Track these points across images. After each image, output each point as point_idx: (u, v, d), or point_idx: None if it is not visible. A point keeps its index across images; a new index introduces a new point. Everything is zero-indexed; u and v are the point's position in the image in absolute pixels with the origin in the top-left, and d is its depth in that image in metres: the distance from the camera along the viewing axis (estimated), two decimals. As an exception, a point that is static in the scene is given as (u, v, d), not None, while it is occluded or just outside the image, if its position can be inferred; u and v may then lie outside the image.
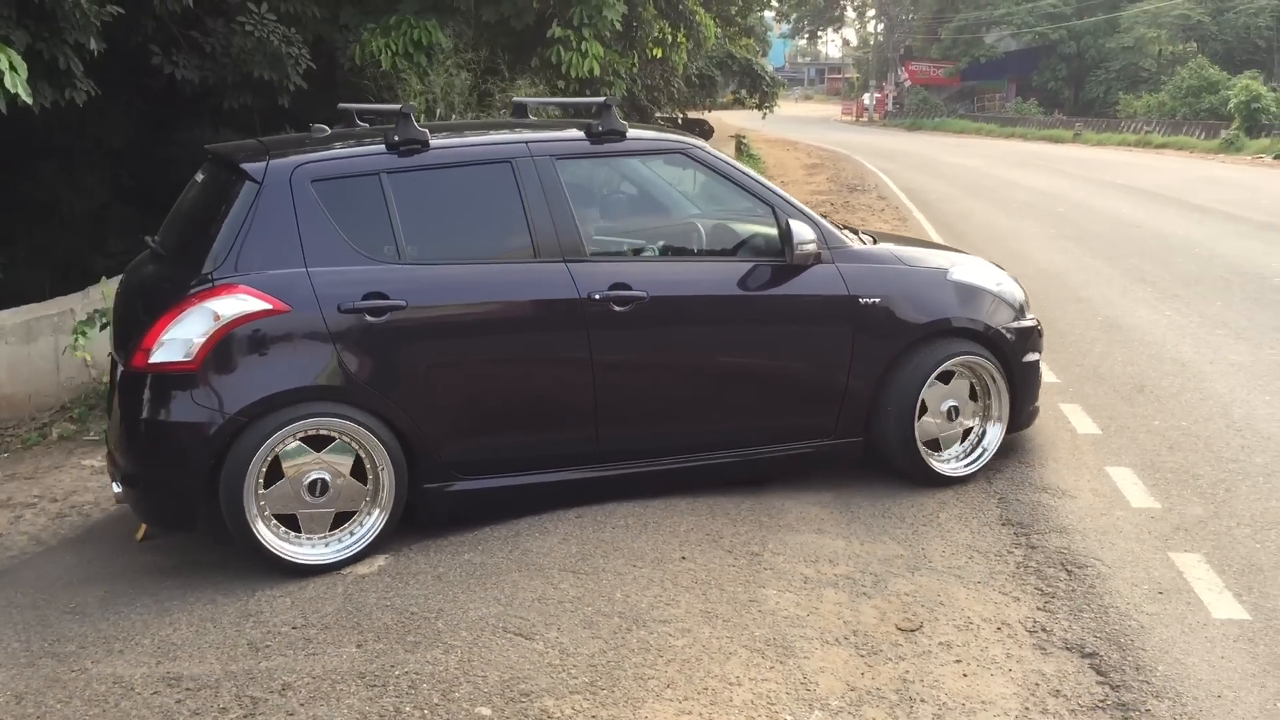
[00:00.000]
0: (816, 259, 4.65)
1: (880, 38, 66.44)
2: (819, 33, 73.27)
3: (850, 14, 70.04)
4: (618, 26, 12.02)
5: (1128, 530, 4.27)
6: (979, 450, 4.98)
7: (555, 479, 4.49)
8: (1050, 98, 49.81)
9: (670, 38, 15.08)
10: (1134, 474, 4.87)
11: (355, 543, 4.13)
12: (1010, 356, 4.97)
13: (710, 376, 4.67)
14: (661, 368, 4.60)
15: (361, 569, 4.06)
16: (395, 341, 4.15)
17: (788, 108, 49.70)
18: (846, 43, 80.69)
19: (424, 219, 4.38)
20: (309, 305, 4.04)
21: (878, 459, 4.88)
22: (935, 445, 4.90)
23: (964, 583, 3.89)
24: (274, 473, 4.01)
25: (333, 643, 3.47)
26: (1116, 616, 3.57)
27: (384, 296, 4.12)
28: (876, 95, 62.93)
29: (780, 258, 4.64)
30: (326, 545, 4.12)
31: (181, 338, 3.93)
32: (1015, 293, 5.23)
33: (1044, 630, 3.51)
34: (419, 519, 4.32)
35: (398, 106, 4.54)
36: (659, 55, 15.19)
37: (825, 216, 5.02)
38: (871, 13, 68.12)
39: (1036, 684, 3.20)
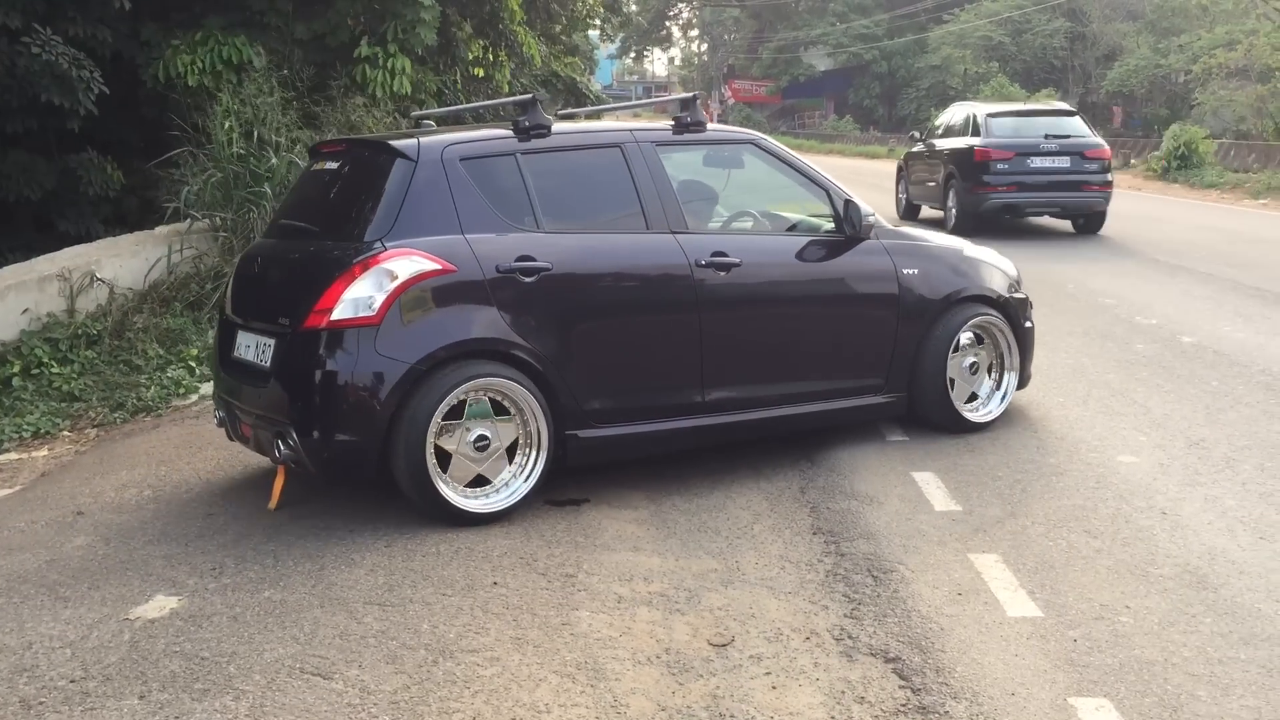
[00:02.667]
0: (868, 234, 5.42)
1: (704, 57, 67.80)
2: (645, 52, 74.30)
3: (675, 32, 71.32)
4: (431, 43, 11.80)
5: (931, 534, 4.39)
6: (998, 400, 5.79)
7: (669, 427, 4.99)
8: (866, 115, 51.70)
9: (492, 56, 14.94)
10: (937, 478, 5.02)
11: (518, 490, 4.58)
12: (1015, 321, 5.82)
13: (788, 335, 5.29)
14: (750, 326, 5.18)
15: (151, 613, 3.82)
16: (543, 300, 4.65)
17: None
18: (672, 61, 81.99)
19: (554, 194, 4.93)
20: (471, 266, 4.53)
21: (915, 413, 5.62)
22: (974, 397, 5.73)
23: (775, 593, 3.92)
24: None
25: (113, 695, 3.24)
26: (919, 620, 3.65)
27: (532, 259, 4.63)
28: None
29: (833, 235, 5.42)
30: (496, 494, 4.57)
31: (363, 296, 4.35)
32: (1011, 269, 6.11)
33: (850, 637, 3.56)
34: (566, 465, 4.75)
35: (529, 95, 5.06)
36: (481, 74, 15.02)
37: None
38: (695, 32, 69.54)
39: (842, 691, 3.23)
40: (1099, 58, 41.48)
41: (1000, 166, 13.73)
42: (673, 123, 5.33)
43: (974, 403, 5.74)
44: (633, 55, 73.35)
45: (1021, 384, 5.92)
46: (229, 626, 3.66)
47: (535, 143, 4.89)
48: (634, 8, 47.73)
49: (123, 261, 8.35)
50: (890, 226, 5.70)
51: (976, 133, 14.51)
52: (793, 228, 5.63)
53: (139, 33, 10.53)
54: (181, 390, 7.20)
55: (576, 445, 4.75)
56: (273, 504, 4.85)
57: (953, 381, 5.60)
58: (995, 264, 6.00)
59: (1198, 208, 18.57)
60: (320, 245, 4.81)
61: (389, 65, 11.17)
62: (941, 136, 15.83)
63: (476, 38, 14.22)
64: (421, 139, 4.82)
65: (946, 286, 5.62)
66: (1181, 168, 23.41)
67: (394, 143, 4.86)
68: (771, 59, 57.60)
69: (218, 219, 8.89)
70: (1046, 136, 14.11)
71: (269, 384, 4.62)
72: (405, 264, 4.42)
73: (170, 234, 8.90)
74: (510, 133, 4.92)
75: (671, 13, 67.64)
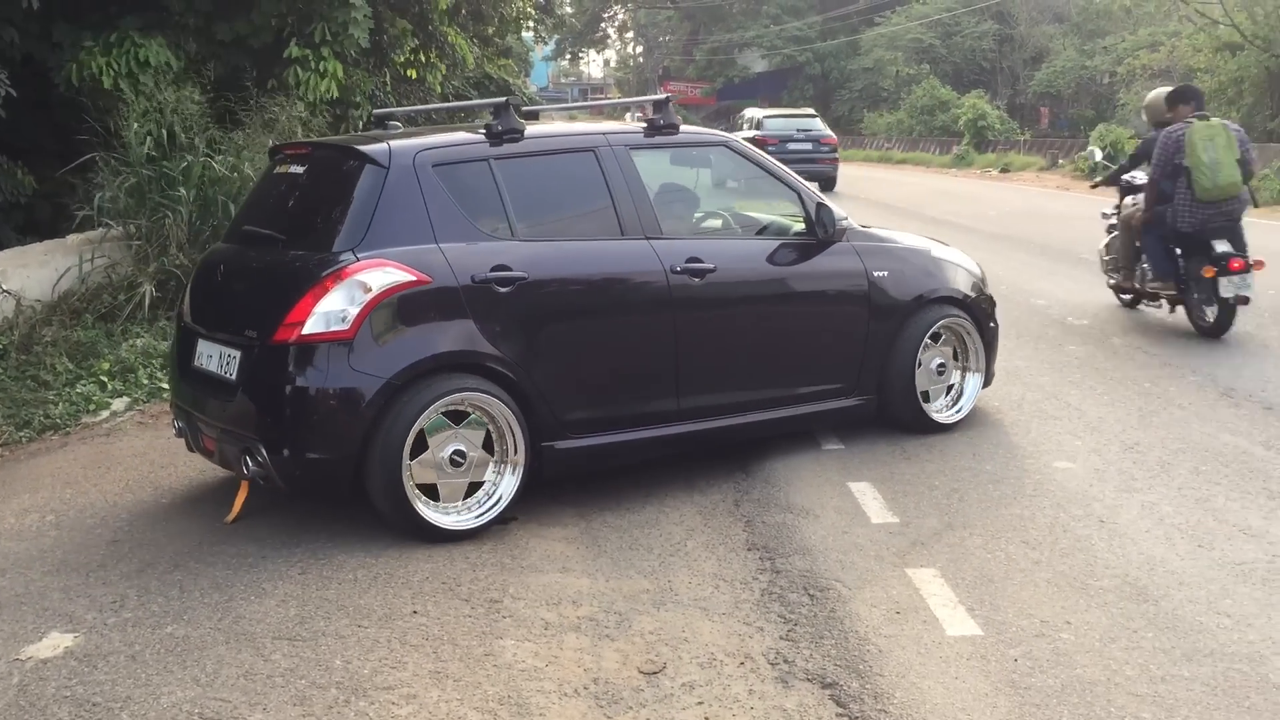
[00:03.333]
0: (840, 237, 5.39)
1: (640, 59, 67.74)
2: (581, 54, 74.05)
3: (611, 34, 71.15)
4: (364, 44, 11.52)
5: (868, 548, 4.27)
6: (963, 399, 5.78)
7: (645, 435, 4.91)
8: (801, 116, 51.94)
9: (425, 58, 14.67)
10: (873, 488, 4.91)
11: (494, 505, 4.47)
12: (981, 320, 5.81)
13: (762, 340, 5.21)
14: (725, 332, 5.09)
15: (44, 652, 3.57)
16: (519, 310, 4.53)
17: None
18: (608, 63, 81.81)
19: (528, 200, 4.80)
20: (446, 276, 4.38)
21: (884, 415, 5.57)
22: (927, 397, 5.66)
23: (709, 615, 3.77)
24: (417, 445, 4.32)
25: (-6, 749, 3.01)
26: (856, 641, 3.51)
27: (508, 269, 4.50)
28: (638, 114, 64.00)
29: (805, 237, 5.36)
30: (469, 510, 4.45)
31: (335, 309, 4.19)
32: (976, 268, 6.10)
33: (786, 661, 3.42)
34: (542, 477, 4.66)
35: (504, 100, 4.90)
36: (414, 76, 14.74)
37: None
38: (630, 34, 69.44)
39: (778, 721, 3.09)
40: (1026, 59, 42.10)
41: (770, 149, 21.40)
42: (645, 125, 5.22)
43: (940, 403, 5.73)
44: (568, 57, 73.04)
45: (986, 383, 5.92)
46: (126, 667, 3.42)
47: (508, 147, 4.76)
48: (568, 10, 47.49)
49: (30, 272, 7.99)
50: (860, 228, 5.65)
51: (758, 128, 23.42)
52: (763, 230, 5.59)
53: (50, 34, 10.13)
54: (92, 407, 6.88)
55: (552, 457, 4.65)
56: (230, 518, 4.68)
57: (920, 382, 5.58)
58: (961, 263, 6.00)
59: (1125, 207, 18.79)
60: (288, 254, 4.62)
61: (320, 68, 10.88)
62: (740, 131, 23.53)
63: (409, 37, 13.95)
64: (392, 143, 4.66)
65: (916, 287, 5.60)
66: (1108, 168, 23.71)
67: (363, 147, 4.67)
68: (706, 60, 57.72)
69: (131, 226, 8.56)
70: (798, 130, 23.19)
71: (235, 397, 4.45)
72: (379, 275, 4.27)
73: (82, 242, 8.55)
74: (482, 136, 4.79)
75: (607, 15, 67.49)
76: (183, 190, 8.58)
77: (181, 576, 4.14)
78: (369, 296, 4.23)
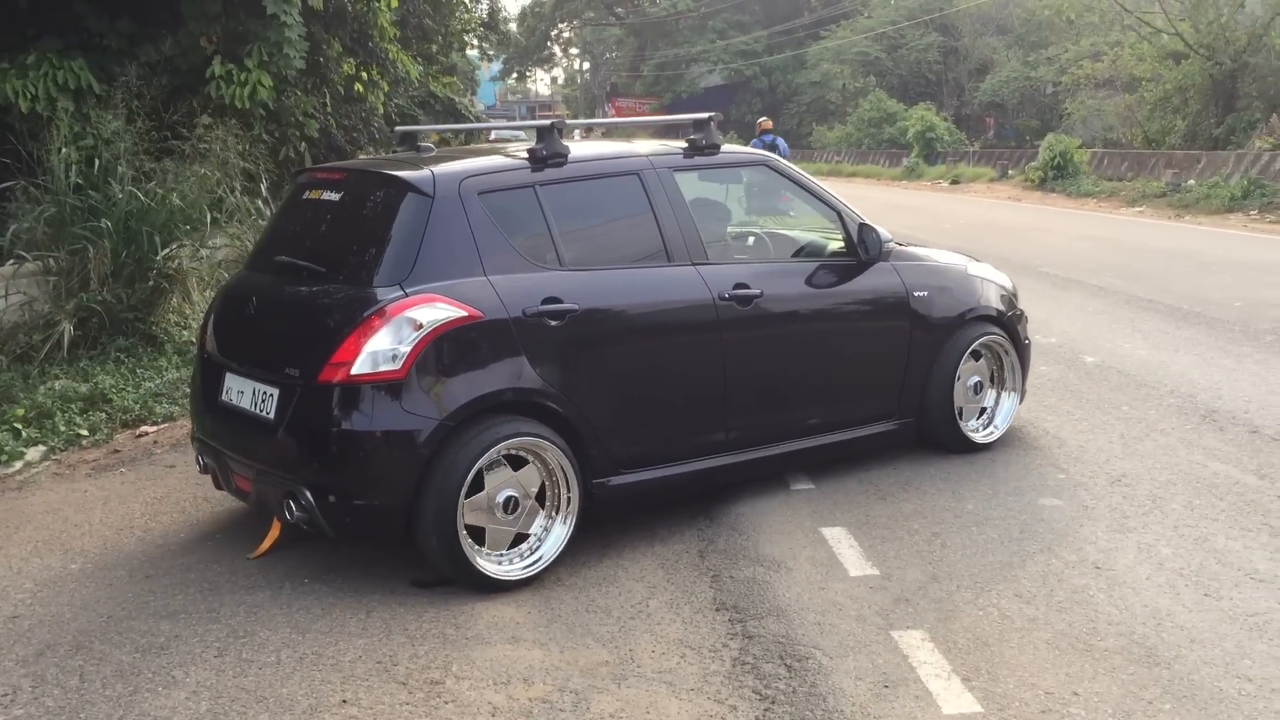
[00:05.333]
0: (886, 258, 5.24)
1: (586, 76, 67.54)
2: (528, 72, 73.70)
3: (557, 52, 70.87)
4: (299, 66, 11.05)
5: (848, 606, 3.89)
6: (1000, 419, 5.66)
7: (695, 468, 4.71)
8: (750, 130, 51.87)
9: (366, 75, 14.22)
10: (848, 534, 4.54)
11: (548, 553, 4.25)
12: (1016, 337, 5.70)
13: (809, 366, 5.03)
14: (773, 359, 4.90)
15: (-85, 766, 3.10)
16: (572, 343, 4.30)
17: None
18: (555, 80, 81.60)
19: (573, 227, 4.58)
20: (498, 311, 4.14)
21: (923, 437, 5.44)
22: (963, 416, 5.52)
23: (676, 691, 3.37)
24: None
25: None
26: (842, 723, 3.14)
27: (559, 301, 4.27)
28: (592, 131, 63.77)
29: (846, 258, 5.19)
30: (523, 559, 4.21)
31: (385, 348, 3.95)
32: (1008, 284, 5.97)
33: (765, 750, 3.04)
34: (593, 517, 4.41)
35: (549, 122, 4.64)
36: (360, 90, 14.25)
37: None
38: (576, 51, 69.22)
39: (759, 827, 2.71)
40: (971, 71, 42.28)
41: None
42: (686, 145, 5.00)
43: (976, 422, 5.61)
44: (515, 76, 72.64)
45: (1021, 398, 5.80)
46: (6, 784, 2.97)
47: (551, 172, 4.52)
48: (512, 26, 47.13)
49: (-63, 311, 7.45)
50: (898, 246, 5.45)
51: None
52: (801, 250, 5.47)
53: (-37, 55, 9.60)
54: (4, 457, 6.36)
55: (604, 495, 4.43)
56: (255, 554, 4.51)
57: (958, 402, 5.46)
58: (995, 280, 5.86)
59: (1078, 217, 18.76)
60: (329, 288, 4.31)
61: (242, 79, 10.40)
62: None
63: (346, 56, 13.48)
64: (435, 170, 4.37)
65: (955, 307, 5.48)
66: (1058, 178, 23.78)
67: (405, 174, 4.38)
68: (654, 76, 57.58)
69: (50, 260, 8.02)
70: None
71: (275, 438, 4.16)
72: (429, 311, 4.02)
73: (-7, 278, 7.99)
74: (524, 161, 4.56)
75: (553, 33, 67.20)
76: (106, 222, 8.06)
77: (83, 662, 3.68)
78: (420, 334, 3.98)
